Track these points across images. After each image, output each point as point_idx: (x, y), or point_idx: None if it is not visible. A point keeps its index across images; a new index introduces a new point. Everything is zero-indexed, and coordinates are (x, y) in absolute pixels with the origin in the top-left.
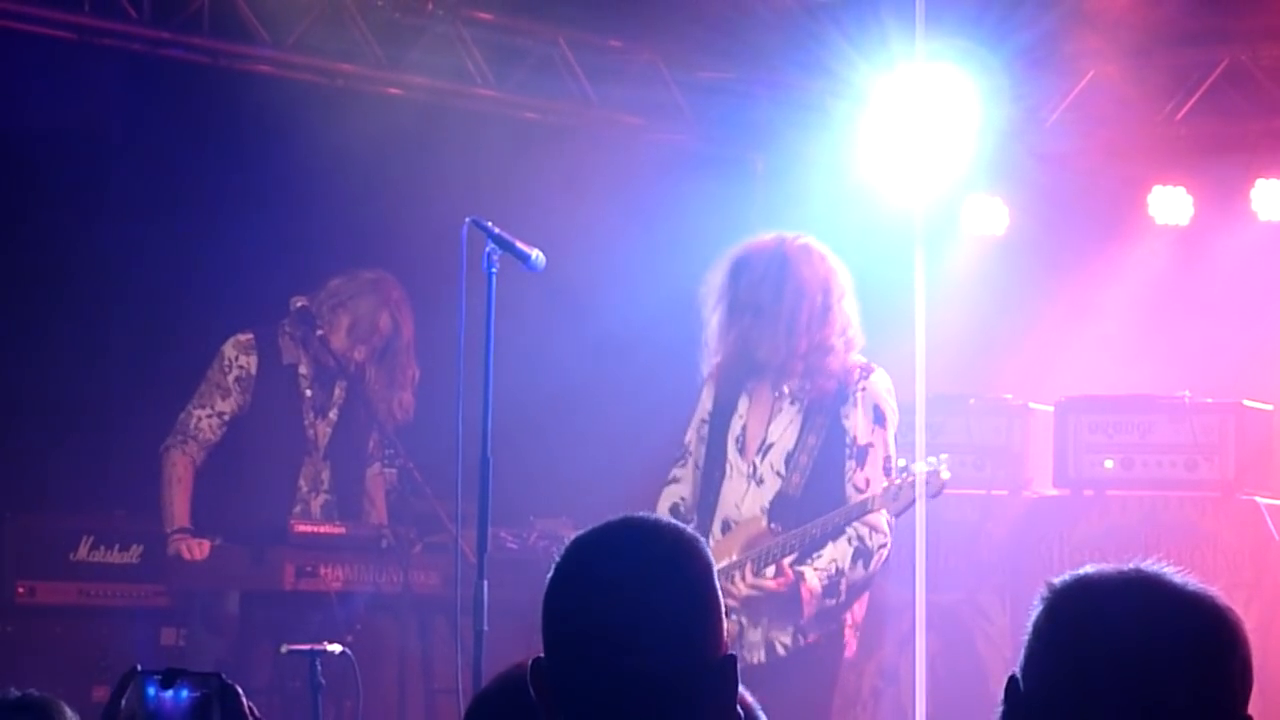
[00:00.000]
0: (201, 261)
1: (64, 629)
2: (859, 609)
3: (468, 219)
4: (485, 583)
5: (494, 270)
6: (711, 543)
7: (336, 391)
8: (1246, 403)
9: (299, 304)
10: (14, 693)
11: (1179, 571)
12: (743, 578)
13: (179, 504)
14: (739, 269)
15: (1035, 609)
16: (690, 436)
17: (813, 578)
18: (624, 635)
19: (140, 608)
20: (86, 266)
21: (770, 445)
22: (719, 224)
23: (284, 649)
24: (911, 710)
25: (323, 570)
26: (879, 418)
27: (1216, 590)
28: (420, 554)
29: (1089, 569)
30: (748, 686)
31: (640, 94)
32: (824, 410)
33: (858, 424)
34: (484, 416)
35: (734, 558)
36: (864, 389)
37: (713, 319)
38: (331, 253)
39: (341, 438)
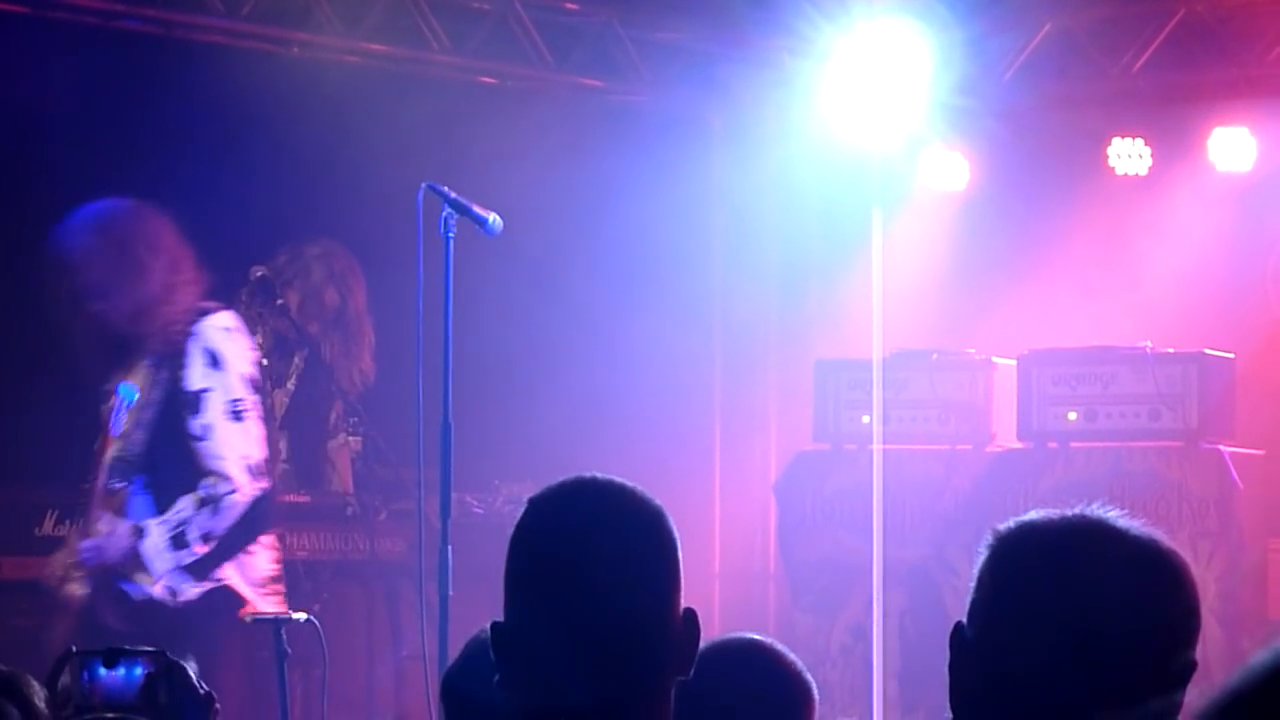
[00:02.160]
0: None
1: (30, 604)
2: (254, 565)
3: (424, 184)
4: (450, 548)
5: (451, 235)
6: None
7: (295, 361)
8: (1208, 352)
9: (259, 274)
10: None
11: (1125, 516)
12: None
13: None
14: None
15: (980, 555)
16: None
17: (155, 531)
18: (578, 591)
19: None
20: (30, 244)
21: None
22: (678, 185)
23: (248, 618)
24: (875, 666)
25: (288, 539)
26: (215, 362)
27: (1161, 534)
28: (385, 521)
29: (1034, 514)
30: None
31: (598, 56)
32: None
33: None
34: (444, 382)
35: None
36: (196, 334)
37: None
38: (290, 222)
39: (300, 408)
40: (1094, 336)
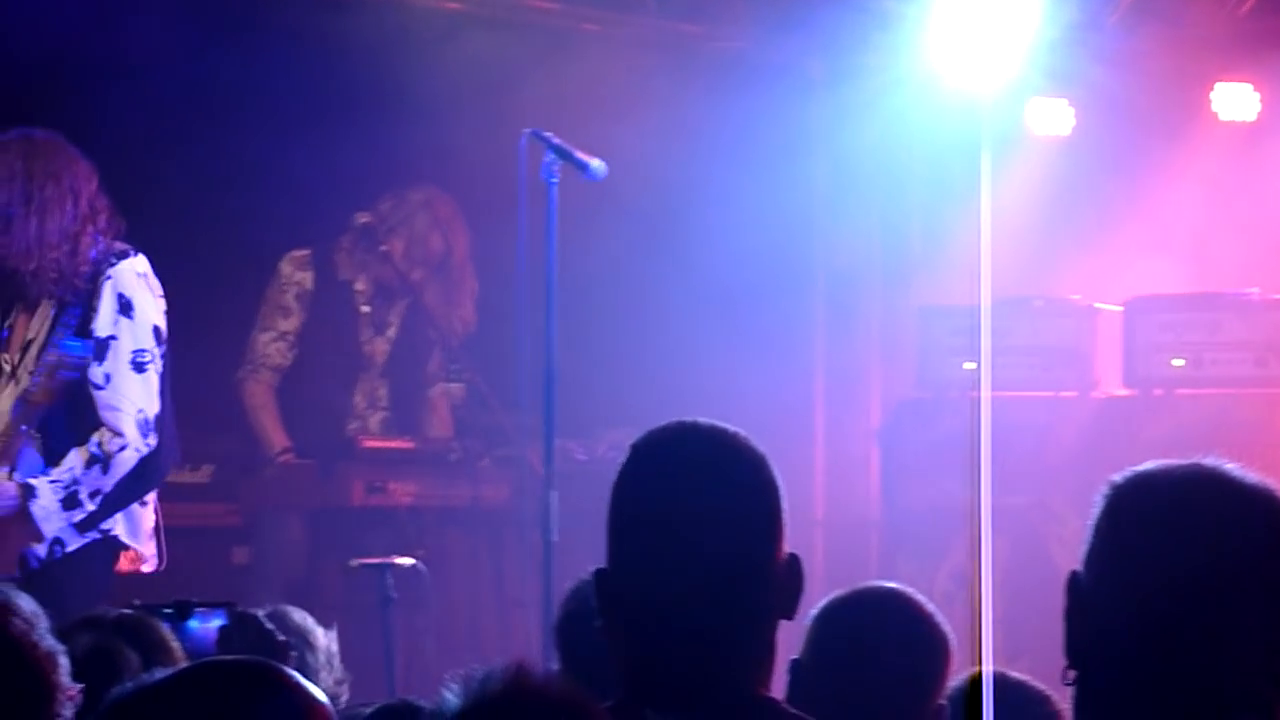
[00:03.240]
0: (260, 183)
1: None
2: (142, 518)
3: (526, 130)
4: (553, 493)
5: (554, 180)
6: None
7: (397, 308)
8: None
9: (362, 220)
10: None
11: (1240, 467)
12: None
13: (273, 427)
14: None
15: (1097, 506)
16: None
17: (45, 491)
18: (682, 536)
19: (211, 527)
20: (144, 193)
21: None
22: (779, 131)
23: (354, 564)
24: (982, 614)
25: (391, 485)
26: (126, 309)
27: (1276, 485)
28: (488, 467)
29: (1150, 465)
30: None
31: (699, 1)
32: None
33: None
34: (547, 328)
35: None
36: (111, 276)
37: None
38: (391, 170)
39: (401, 355)
40: (1200, 282)
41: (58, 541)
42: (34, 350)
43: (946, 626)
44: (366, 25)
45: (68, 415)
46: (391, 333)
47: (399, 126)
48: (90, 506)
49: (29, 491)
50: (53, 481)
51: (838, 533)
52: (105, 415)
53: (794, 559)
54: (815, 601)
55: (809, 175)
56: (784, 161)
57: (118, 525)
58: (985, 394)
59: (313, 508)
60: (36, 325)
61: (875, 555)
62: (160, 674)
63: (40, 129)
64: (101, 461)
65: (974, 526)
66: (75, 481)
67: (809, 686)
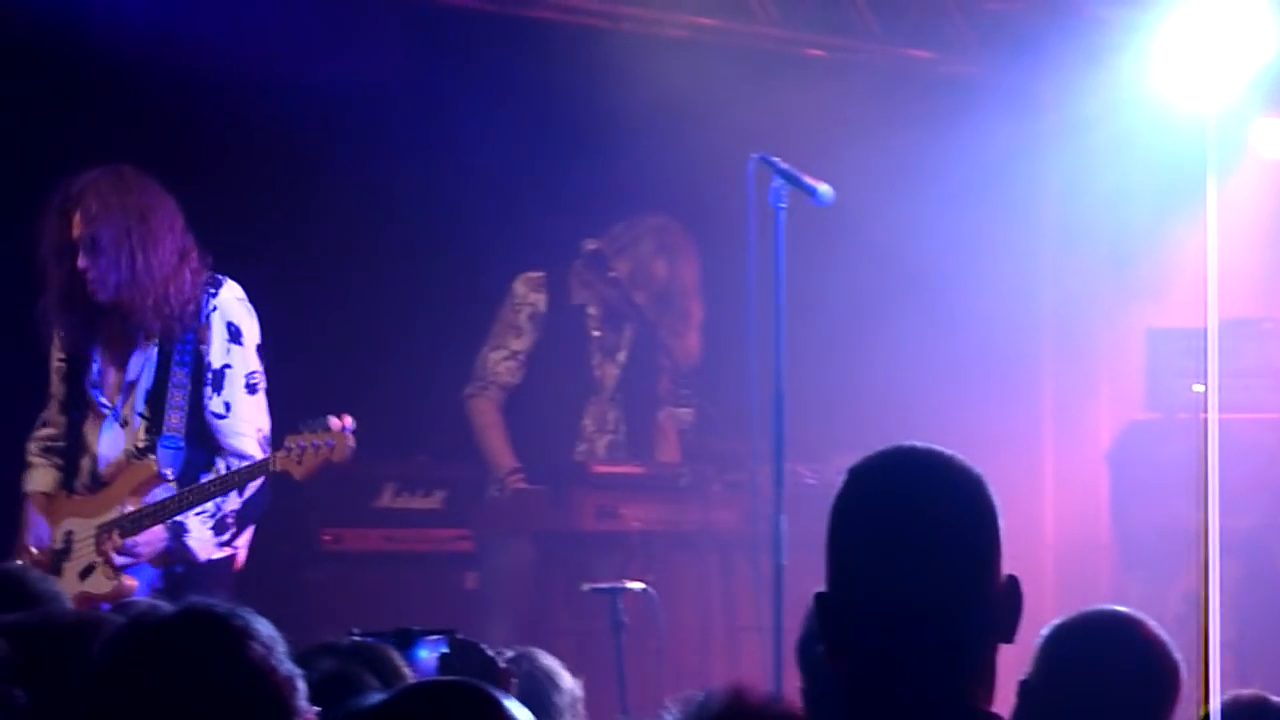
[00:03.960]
0: (492, 206)
1: (370, 575)
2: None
3: (755, 155)
4: (783, 517)
5: (782, 205)
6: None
7: (626, 333)
8: None
9: (591, 246)
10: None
11: None
12: (113, 544)
13: (501, 446)
14: None
15: None
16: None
17: (196, 525)
18: (904, 559)
19: (444, 552)
20: (377, 215)
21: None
22: (1009, 154)
23: (585, 588)
24: (1209, 636)
25: (622, 510)
26: (233, 335)
27: None
28: (719, 491)
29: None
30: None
31: (926, 26)
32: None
33: (215, 346)
34: (776, 352)
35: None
36: (216, 307)
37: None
38: (620, 195)
39: (630, 380)
40: None
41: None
42: (141, 393)
43: (1177, 653)
44: (597, 52)
45: (200, 447)
46: (621, 357)
47: (625, 152)
48: (236, 525)
49: (180, 530)
50: (199, 513)
51: (1068, 555)
52: (229, 442)
53: (1013, 581)
54: (1047, 623)
55: (1037, 198)
56: (1012, 185)
57: (242, 539)
58: (1213, 416)
59: (544, 532)
60: (137, 367)
61: (1106, 578)
62: (379, 695)
63: (129, 165)
64: (238, 486)
65: (1202, 548)
66: (219, 508)
67: (1037, 708)
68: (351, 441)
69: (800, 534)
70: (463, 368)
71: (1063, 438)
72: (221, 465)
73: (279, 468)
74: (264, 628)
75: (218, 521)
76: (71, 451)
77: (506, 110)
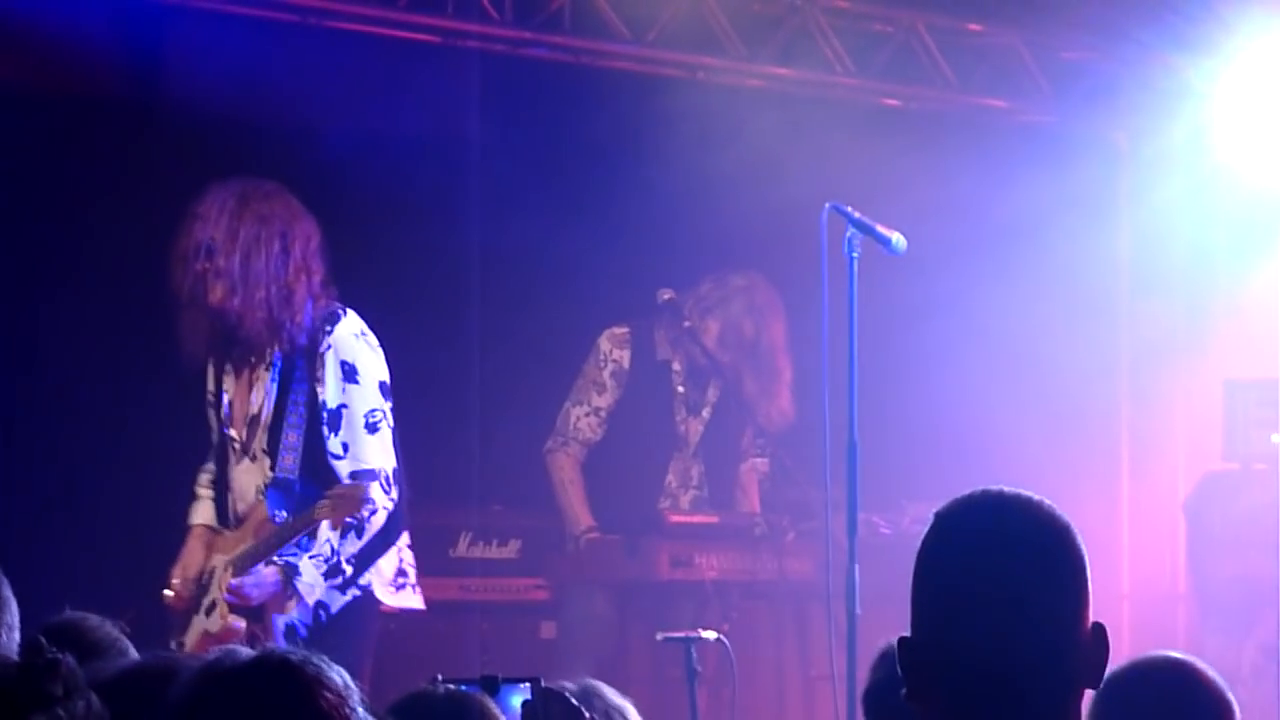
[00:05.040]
0: (569, 258)
1: (445, 624)
2: (387, 566)
3: (828, 204)
4: (857, 566)
5: (855, 255)
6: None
7: (710, 391)
8: None
9: (665, 296)
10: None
11: None
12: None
13: (579, 504)
14: None
15: None
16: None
17: (308, 568)
18: (992, 605)
19: (519, 601)
20: (453, 265)
21: (254, 418)
22: (1085, 203)
23: (660, 637)
24: None
25: (697, 559)
26: (348, 374)
27: None
28: (793, 541)
29: None
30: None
31: (1001, 76)
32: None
33: (330, 386)
34: (850, 401)
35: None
36: (331, 345)
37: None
38: (698, 246)
39: (714, 436)
40: None
41: (321, 606)
42: (262, 427)
43: (1229, 694)
44: (675, 103)
45: (316, 488)
46: (706, 413)
47: (702, 203)
48: (349, 570)
49: (292, 571)
50: (313, 556)
51: (1144, 606)
52: (349, 483)
53: (1099, 628)
54: None
55: (1112, 247)
56: (1088, 232)
57: (373, 579)
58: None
59: (619, 581)
60: (259, 400)
61: (1182, 628)
62: None
63: (270, 181)
64: (355, 528)
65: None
66: (334, 553)
67: None
68: (359, 493)
69: (874, 583)
70: (540, 419)
71: (1139, 488)
72: None
73: (317, 516)
74: (338, 676)
75: (331, 566)
76: (219, 487)
77: (588, 162)
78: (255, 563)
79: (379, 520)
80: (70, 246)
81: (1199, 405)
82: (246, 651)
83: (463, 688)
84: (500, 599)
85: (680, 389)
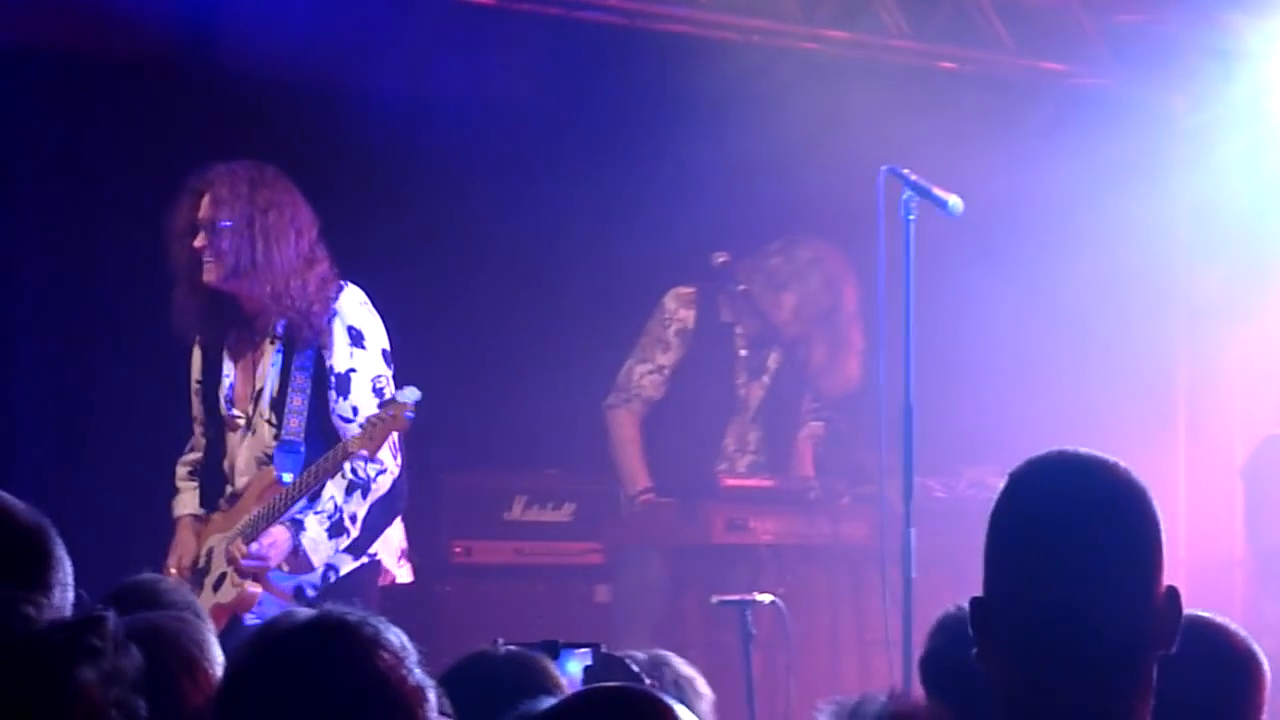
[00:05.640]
0: (624, 222)
1: (500, 588)
2: (395, 535)
3: (884, 167)
4: (913, 530)
5: (911, 218)
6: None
7: (771, 358)
8: None
9: (720, 260)
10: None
11: None
12: (239, 550)
13: (636, 463)
14: None
15: None
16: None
17: (313, 524)
18: (1069, 567)
19: (574, 565)
20: (509, 230)
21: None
22: (1142, 169)
23: (715, 601)
24: None
25: (752, 523)
26: (355, 339)
27: None
28: (848, 505)
29: None
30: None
31: (1058, 39)
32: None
33: (338, 351)
34: (905, 365)
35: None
36: (336, 311)
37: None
38: (755, 209)
39: (773, 403)
40: None
41: (331, 569)
42: (266, 399)
43: (1253, 644)
44: (731, 66)
45: (313, 452)
46: (766, 379)
47: (761, 166)
48: (354, 531)
49: (297, 527)
50: (318, 513)
51: (1201, 572)
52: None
53: (1172, 591)
54: None
55: (1171, 210)
56: (1146, 196)
57: (380, 549)
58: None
59: (674, 545)
60: (264, 375)
61: (1239, 594)
62: (546, 701)
63: (273, 167)
64: (361, 487)
65: None
66: (338, 509)
67: None
68: (410, 410)
69: (929, 547)
70: (595, 382)
71: (1196, 453)
72: (348, 468)
73: (355, 449)
74: (395, 637)
75: (334, 523)
76: (213, 470)
77: (642, 126)
78: (268, 525)
79: (384, 482)
80: (119, 213)
81: (1257, 369)
82: (305, 612)
83: (525, 651)
84: (554, 563)
85: (743, 352)
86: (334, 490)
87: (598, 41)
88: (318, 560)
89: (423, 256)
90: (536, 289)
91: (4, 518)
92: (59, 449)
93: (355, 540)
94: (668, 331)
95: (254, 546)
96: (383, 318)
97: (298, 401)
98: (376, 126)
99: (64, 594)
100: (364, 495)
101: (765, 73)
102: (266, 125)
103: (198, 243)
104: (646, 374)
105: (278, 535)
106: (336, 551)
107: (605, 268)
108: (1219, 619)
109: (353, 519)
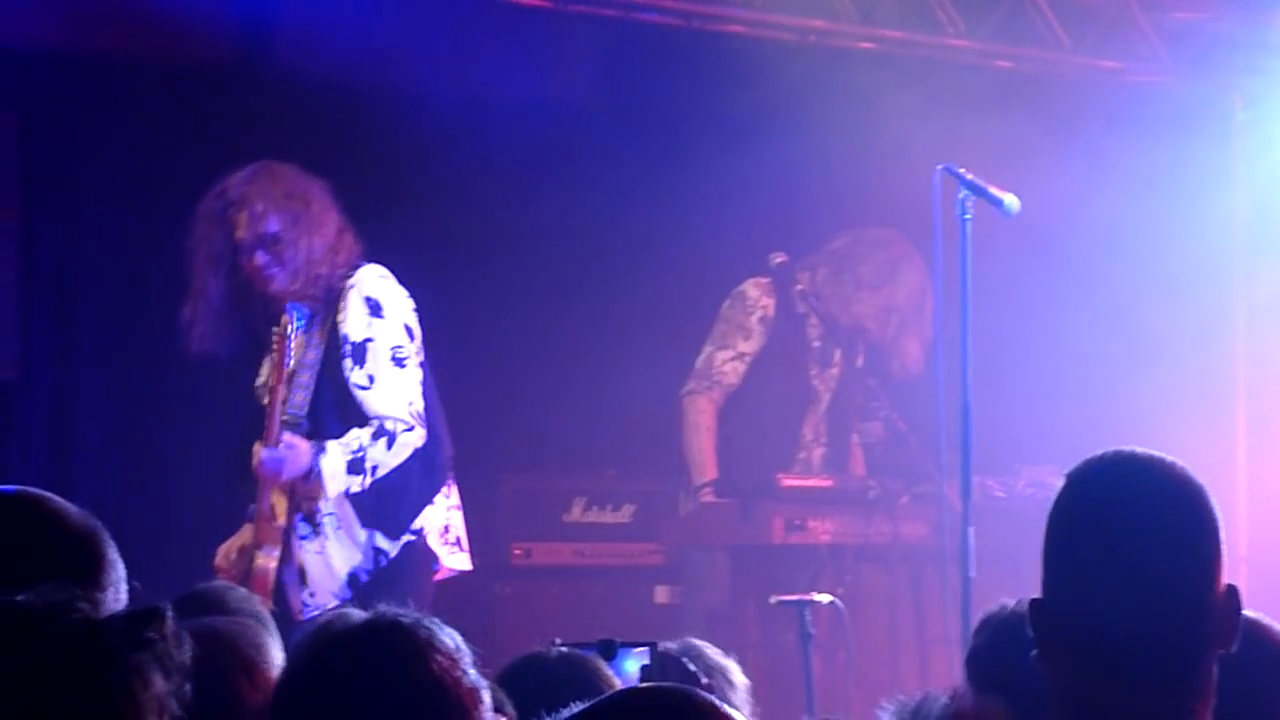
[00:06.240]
0: (682, 222)
1: (559, 589)
2: (438, 517)
3: (940, 166)
4: (971, 529)
5: (967, 217)
6: None
7: (836, 353)
8: None
9: (778, 260)
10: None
11: None
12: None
13: (707, 454)
14: None
15: None
16: None
17: (335, 451)
18: (1130, 566)
19: (634, 566)
20: (565, 231)
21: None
22: (1198, 167)
23: (774, 600)
24: None
25: (811, 523)
26: (374, 309)
27: None
28: (907, 505)
29: None
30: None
31: (1114, 37)
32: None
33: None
34: (963, 364)
35: None
36: (354, 283)
37: None
38: (810, 208)
39: (841, 394)
40: None
41: (380, 553)
42: (285, 381)
43: None
44: (784, 66)
45: (339, 423)
46: (835, 370)
47: (820, 166)
48: (369, 479)
49: (320, 449)
50: (342, 444)
51: (1262, 570)
52: (378, 411)
53: (1232, 590)
54: None
55: (1228, 208)
56: (1203, 194)
57: (425, 525)
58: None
59: (733, 545)
60: (283, 358)
61: None
62: (587, 702)
63: (272, 159)
64: (386, 436)
65: None
66: (361, 449)
67: None
68: None
69: (988, 547)
70: (654, 383)
71: (1257, 450)
72: (377, 418)
73: None
74: (450, 639)
75: (355, 459)
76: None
77: (699, 126)
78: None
79: (410, 440)
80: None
81: None
82: (358, 614)
83: (579, 651)
84: (614, 564)
85: (815, 343)
86: (360, 432)
87: (655, 43)
88: (331, 489)
89: (481, 259)
90: (596, 290)
91: (57, 520)
92: (118, 478)
93: (389, 508)
94: (750, 319)
95: (267, 453)
96: (440, 320)
97: (305, 377)
98: (431, 130)
99: (117, 595)
100: (389, 446)
101: (821, 73)
102: (325, 133)
103: (258, 261)
104: (728, 360)
105: (300, 444)
106: (349, 492)
107: (663, 269)
108: (1265, 619)
109: (374, 468)
